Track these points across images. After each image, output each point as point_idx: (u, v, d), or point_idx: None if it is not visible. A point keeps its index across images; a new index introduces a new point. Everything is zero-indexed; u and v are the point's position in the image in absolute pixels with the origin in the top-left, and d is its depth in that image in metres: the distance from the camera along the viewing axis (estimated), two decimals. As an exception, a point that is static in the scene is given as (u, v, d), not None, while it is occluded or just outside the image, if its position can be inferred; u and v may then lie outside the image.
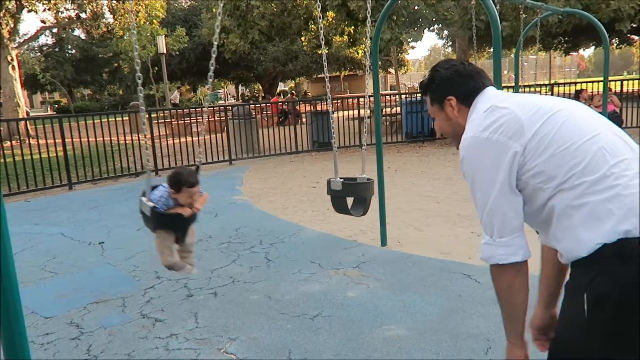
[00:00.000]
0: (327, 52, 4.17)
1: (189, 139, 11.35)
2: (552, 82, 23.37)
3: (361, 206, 3.78)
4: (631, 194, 1.26)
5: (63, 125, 8.56)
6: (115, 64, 35.13)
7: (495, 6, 3.67)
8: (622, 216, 1.25)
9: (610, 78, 9.05)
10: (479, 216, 1.45)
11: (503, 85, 8.94)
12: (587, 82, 13.53)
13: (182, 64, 30.30)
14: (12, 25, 16.57)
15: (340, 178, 3.66)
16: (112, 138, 9.25)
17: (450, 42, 29.22)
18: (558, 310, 1.65)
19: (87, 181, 8.72)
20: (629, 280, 1.21)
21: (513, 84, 9.85)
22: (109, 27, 19.62)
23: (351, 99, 14.63)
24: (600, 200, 1.28)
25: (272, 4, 14.63)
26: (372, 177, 3.86)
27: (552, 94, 12.12)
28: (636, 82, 16.45)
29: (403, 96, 12.82)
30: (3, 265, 1.43)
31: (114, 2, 18.08)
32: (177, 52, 25.77)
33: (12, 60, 15.78)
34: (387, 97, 15.15)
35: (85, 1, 17.41)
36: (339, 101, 13.51)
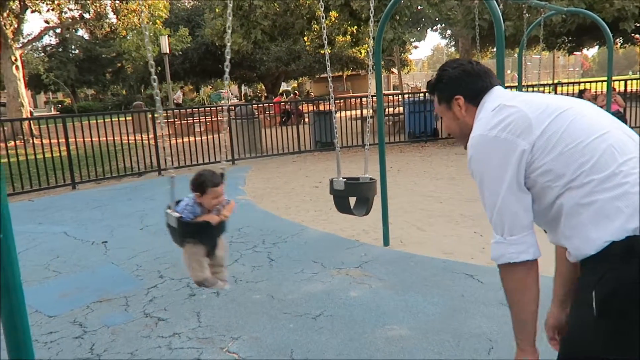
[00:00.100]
0: (329, 52, 4.17)
1: (191, 138, 11.37)
2: (556, 81, 23.31)
3: (364, 206, 3.78)
4: None
5: (67, 125, 8.59)
6: (119, 64, 35.24)
7: (499, 5, 3.66)
8: (631, 214, 1.25)
9: (614, 78, 9.02)
10: (488, 215, 1.44)
11: (506, 85, 8.91)
12: (590, 82, 13.49)
13: (185, 64, 30.35)
14: (16, 26, 16.64)
15: (343, 178, 3.66)
16: (116, 138, 9.28)
17: (453, 42, 29.18)
18: None
19: (91, 181, 8.75)
20: (638, 279, 1.21)
21: (516, 84, 9.83)
22: (112, 28, 19.69)
23: (354, 99, 14.65)
24: (609, 198, 1.27)
25: (275, 4, 14.62)
26: (375, 177, 3.85)
27: (555, 94, 12.09)
28: (640, 81, 16.37)
29: (406, 96, 12.81)
30: (7, 264, 1.44)
31: (117, 2, 18.13)
32: (180, 52, 25.84)
33: (16, 60, 15.83)
34: (390, 97, 15.12)
35: (88, 1, 17.46)
36: (341, 101, 13.50)
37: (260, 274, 4.01)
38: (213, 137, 10.52)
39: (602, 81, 11.05)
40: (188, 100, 36.19)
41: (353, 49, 21.64)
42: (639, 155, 1.32)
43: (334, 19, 14.56)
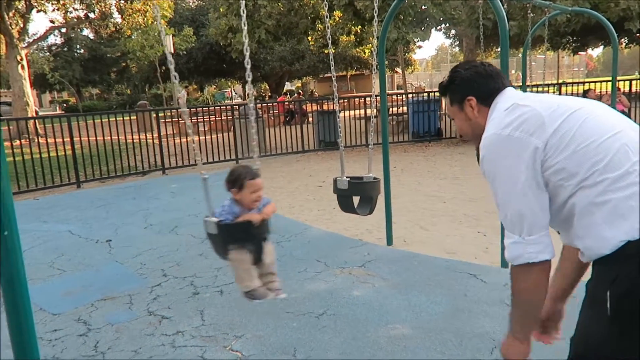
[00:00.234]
0: (333, 51, 4.17)
1: (195, 138, 11.39)
2: (560, 81, 23.22)
3: (367, 205, 3.78)
4: None
5: (71, 124, 8.63)
6: (123, 64, 35.37)
7: (503, 5, 3.65)
8: None
9: (618, 78, 8.98)
10: (501, 215, 1.43)
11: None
12: (595, 82, 13.43)
13: (190, 64, 30.40)
14: (21, 25, 16.72)
15: (347, 177, 3.66)
16: (120, 137, 9.31)
17: (458, 42, 29.10)
18: (565, 307, 1.65)
19: (95, 180, 8.78)
20: None
21: (521, 84, 9.80)
22: (117, 27, 19.74)
23: (358, 99, 14.64)
24: (623, 197, 1.27)
25: (279, 4, 14.64)
26: (379, 176, 3.86)
27: (560, 94, 12.05)
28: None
29: (410, 96, 12.79)
30: (12, 262, 1.45)
31: (122, 2, 18.18)
32: (185, 52, 25.88)
33: (21, 59, 15.91)
34: (394, 97, 15.12)
35: (93, 1, 17.52)
36: (345, 101, 13.51)
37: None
38: (217, 137, 10.54)
39: (606, 81, 11.00)
40: (192, 100, 36.27)
41: (357, 49, 21.60)
42: None
43: (338, 19, 14.56)
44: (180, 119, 16.05)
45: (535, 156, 1.35)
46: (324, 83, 42.41)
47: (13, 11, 15.94)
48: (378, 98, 5.01)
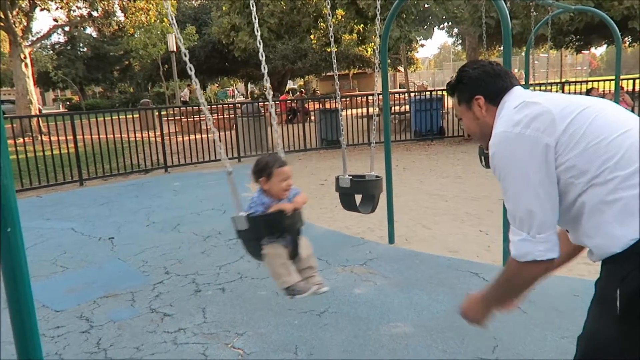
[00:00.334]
0: (336, 50, 4.16)
1: (198, 136, 11.40)
2: (564, 80, 23.15)
3: (369, 204, 3.78)
4: None
5: (74, 122, 8.66)
6: (126, 62, 35.45)
7: (506, 4, 3.65)
8: None
9: (622, 76, 8.95)
10: (510, 212, 1.42)
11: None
12: (598, 81, 13.39)
13: (192, 62, 30.24)
14: (25, 24, 16.77)
15: (349, 175, 3.66)
16: (123, 135, 9.33)
17: (460, 40, 29.03)
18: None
19: (98, 177, 8.81)
20: None
21: (523, 82, 9.78)
22: (120, 26, 19.79)
23: (360, 97, 14.61)
24: (634, 195, 1.26)
25: (282, 2, 14.65)
26: (381, 174, 3.86)
27: (563, 93, 12.02)
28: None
29: (412, 94, 12.78)
30: (15, 259, 1.46)
31: (125, 0, 18.21)
32: (187, 50, 25.92)
33: (25, 58, 15.95)
34: (396, 95, 15.09)
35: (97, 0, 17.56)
36: (347, 99, 13.50)
37: (265, 271, 4.01)
38: (219, 135, 10.52)
39: (610, 80, 10.98)
40: (194, 98, 36.28)
41: (359, 47, 21.58)
42: None
43: (340, 17, 14.55)
44: (182, 117, 16.10)
45: (547, 153, 1.35)
46: (326, 81, 42.39)
47: (17, 9, 15.99)
48: (380, 96, 5.01)
